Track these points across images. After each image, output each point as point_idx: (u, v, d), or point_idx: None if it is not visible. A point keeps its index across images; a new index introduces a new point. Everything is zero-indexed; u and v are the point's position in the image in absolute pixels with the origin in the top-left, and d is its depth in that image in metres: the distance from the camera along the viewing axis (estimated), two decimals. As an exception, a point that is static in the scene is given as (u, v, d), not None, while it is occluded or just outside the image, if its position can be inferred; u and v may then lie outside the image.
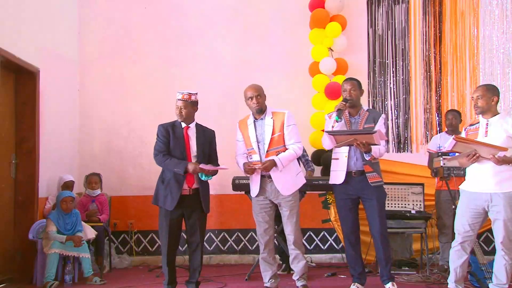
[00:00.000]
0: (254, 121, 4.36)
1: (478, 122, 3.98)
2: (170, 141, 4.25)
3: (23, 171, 5.22)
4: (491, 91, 3.89)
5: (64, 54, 6.14)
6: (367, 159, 4.20)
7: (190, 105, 4.29)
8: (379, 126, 4.29)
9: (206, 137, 4.37)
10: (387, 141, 6.30)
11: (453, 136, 3.81)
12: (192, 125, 4.34)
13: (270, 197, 4.29)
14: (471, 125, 4.06)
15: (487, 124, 3.88)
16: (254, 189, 4.32)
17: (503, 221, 3.77)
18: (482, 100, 3.87)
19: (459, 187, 4.09)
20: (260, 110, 4.33)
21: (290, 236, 4.31)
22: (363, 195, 4.30)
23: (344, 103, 4.27)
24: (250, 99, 4.32)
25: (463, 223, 3.93)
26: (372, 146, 4.10)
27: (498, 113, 3.92)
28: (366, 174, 4.24)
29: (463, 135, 4.07)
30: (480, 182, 3.85)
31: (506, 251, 3.81)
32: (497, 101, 3.91)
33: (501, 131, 3.80)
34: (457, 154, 3.89)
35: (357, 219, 4.40)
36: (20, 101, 5.29)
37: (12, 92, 5.25)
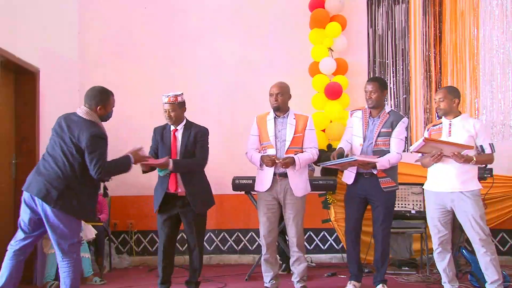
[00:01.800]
0: (275, 118, 4.36)
1: (441, 123, 4.09)
2: (158, 148, 4.28)
3: (23, 171, 5.19)
4: (452, 94, 4.03)
5: (64, 54, 6.14)
6: (375, 173, 4.21)
7: (178, 106, 4.23)
8: (398, 132, 4.26)
9: (192, 135, 4.23)
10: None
11: (423, 138, 3.93)
12: (180, 126, 4.27)
13: (279, 196, 4.28)
14: (434, 125, 4.19)
15: (450, 125, 4.02)
16: (265, 184, 4.28)
17: (475, 219, 3.85)
18: (444, 102, 4.01)
19: (423, 187, 4.21)
20: (277, 108, 4.35)
21: (294, 239, 4.30)
22: (370, 197, 4.31)
23: (336, 158, 4.25)
24: (270, 96, 4.36)
25: (435, 223, 4.03)
26: (377, 160, 4.13)
27: (460, 114, 4.05)
28: (379, 179, 4.24)
29: (426, 135, 4.19)
30: (444, 182, 3.96)
31: (487, 247, 3.88)
32: (458, 103, 4.05)
33: (463, 131, 3.95)
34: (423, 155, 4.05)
35: (361, 219, 4.43)
36: (20, 101, 5.29)
37: (12, 92, 5.25)
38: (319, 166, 4.36)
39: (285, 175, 4.25)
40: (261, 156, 4.28)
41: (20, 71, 5.21)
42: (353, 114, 4.47)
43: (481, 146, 3.94)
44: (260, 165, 4.30)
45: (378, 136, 4.26)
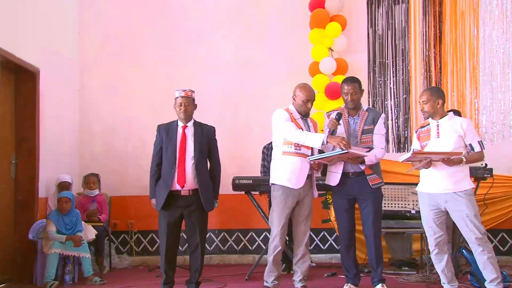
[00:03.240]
0: (301, 118, 4.32)
1: (429, 124, 4.09)
2: (163, 144, 4.27)
3: (23, 171, 5.22)
4: (435, 95, 4.02)
5: (64, 54, 6.14)
6: (362, 168, 4.20)
7: (192, 102, 4.31)
8: (378, 128, 4.29)
9: (204, 135, 4.31)
10: (387, 141, 6.29)
11: (412, 151, 3.98)
12: (190, 124, 4.31)
13: (301, 195, 4.26)
14: (421, 127, 4.18)
15: (437, 126, 4.01)
16: (299, 182, 4.18)
17: (470, 219, 3.85)
18: (428, 105, 4.01)
19: (416, 189, 4.20)
20: (308, 114, 4.37)
21: (304, 237, 4.31)
22: (359, 196, 4.30)
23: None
24: (306, 101, 4.27)
25: (430, 225, 4.04)
26: (368, 154, 4.12)
27: (447, 114, 4.05)
28: (367, 177, 4.23)
29: (415, 137, 4.20)
30: (437, 183, 3.95)
31: (483, 245, 3.86)
32: (443, 103, 4.04)
33: (451, 131, 3.95)
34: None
35: (353, 220, 4.40)
36: (20, 101, 5.29)
37: (12, 92, 5.25)
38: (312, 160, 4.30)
39: (308, 176, 4.26)
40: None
41: (20, 71, 5.21)
42: (331, 115, 4.36)
43: (470, 144, 3.95)
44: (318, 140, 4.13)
45: (362, 133, 4.26)
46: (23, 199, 5.19)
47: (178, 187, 4.18)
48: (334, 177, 4.32)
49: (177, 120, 4.34)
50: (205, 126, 4.39)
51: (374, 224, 4.28)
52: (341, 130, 4.29)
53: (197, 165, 4.21)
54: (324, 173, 5.04)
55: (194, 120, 4.36)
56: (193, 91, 4.34)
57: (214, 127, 4.44)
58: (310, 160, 4.20)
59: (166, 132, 4.29)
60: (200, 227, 4.26)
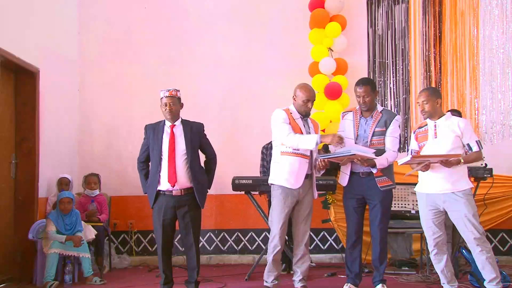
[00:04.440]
0: (301, 118, 4.32)
1: (426, 125, 4.10)
2: (149, 144, 4.30)
3: (23, 171, 5.22)
4: (434, 95, 4.05)
5: (64, 54, 6.14)
6: (374, 172, 4.19)
7: (178, 101, 4.29)
8: (392, 130, 4.26)
9: (194, 132, 4.31)
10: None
11: (411, 156, 4.02)
12: (178, 123, 4.31)
13: (300, 195, 4.26)
14: (419, 127, 4.19)
15: (435, 126, 4.03)
16: (298, 182, 4.18)
17: (468, 218, 3.86)
18: (428, 104, 4.03)
19: (414, 189, 4.21)
20: (308, 114, 4.37)
21: (304, 237, 4.32)
22: (368, 196, 4.30)
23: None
24: (307, 101, 4.26)
25: (429, 225, 4.04)
26: (379, 158, 4.11)
27: (444, 114, 4.05)
28: (376, 179, 4.23)
29: (412, 138, 4.22)
30: (435, 184, 3.97)
31: (482, 245, 3.87)
32: (441, 103, 4.05)
33: (449, 131, 3.96)
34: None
35: (361, 220, 4.40)
36: (20, 101, 5.29)
37: (12, 92, 5.25)
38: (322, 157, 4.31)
39: (307, 176, 4.26)
40: (332, 135, 4.17)
41: (20, 71, 5.21)
42: (345, 116, 4.43)
43: (468, 144, 3.95)
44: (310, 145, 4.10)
45: (373, 135, 4.25)
46: (23, 199, 5.19)
47: (168, 186, 4.17)
48: (343, 178, 4.36)
49: (164, 120, 4.33)
50: (193, 123, 4.38)
51: (381, 225, 4.29)
52: (350, 131, 4.29)
53: (191, 163, 4.21)
54: (325, 174, 5.07)
55: (181, 118, 4.35)
56: (178, 90, 4.31)
57: (202, 124, 4.43)
58: (320, 158, 4.21)
59: (153, 131, 4.30)
60: (193, 226, 4.27)
